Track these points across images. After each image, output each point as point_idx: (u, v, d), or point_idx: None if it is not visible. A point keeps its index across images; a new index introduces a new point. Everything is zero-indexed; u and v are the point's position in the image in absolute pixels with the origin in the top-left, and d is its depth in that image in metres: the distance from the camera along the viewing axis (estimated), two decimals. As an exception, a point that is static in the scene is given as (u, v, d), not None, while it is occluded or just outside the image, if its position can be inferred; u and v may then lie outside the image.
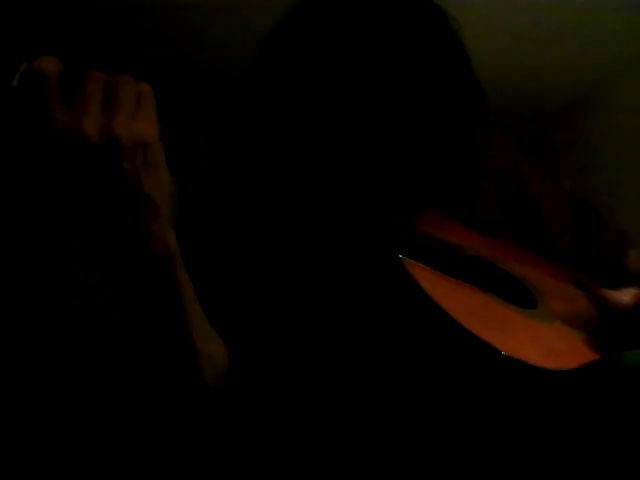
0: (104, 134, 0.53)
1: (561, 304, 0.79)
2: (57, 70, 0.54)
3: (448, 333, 0.64)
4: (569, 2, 2.02)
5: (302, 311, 0.75)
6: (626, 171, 2.34)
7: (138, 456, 1.86)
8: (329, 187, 0.77)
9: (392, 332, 0.71)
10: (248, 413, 0.73)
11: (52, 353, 2.11)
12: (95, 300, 1.99)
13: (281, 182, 0.68)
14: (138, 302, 0.63)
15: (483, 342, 0.62)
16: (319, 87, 0.80)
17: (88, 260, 1.73)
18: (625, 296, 0.72)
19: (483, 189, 0.87)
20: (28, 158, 0.53)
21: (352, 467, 0.67)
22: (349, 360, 0.72)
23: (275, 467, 0.71)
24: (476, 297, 0.72)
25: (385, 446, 0.67)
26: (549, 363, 0.63)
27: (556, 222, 0.90)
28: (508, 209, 0.88)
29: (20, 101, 0.53)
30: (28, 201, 2.01)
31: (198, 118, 2.12)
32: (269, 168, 0.67)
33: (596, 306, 0.74)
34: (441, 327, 0.64)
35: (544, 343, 0.70)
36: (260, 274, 0.79)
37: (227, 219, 0.83)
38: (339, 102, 0.79)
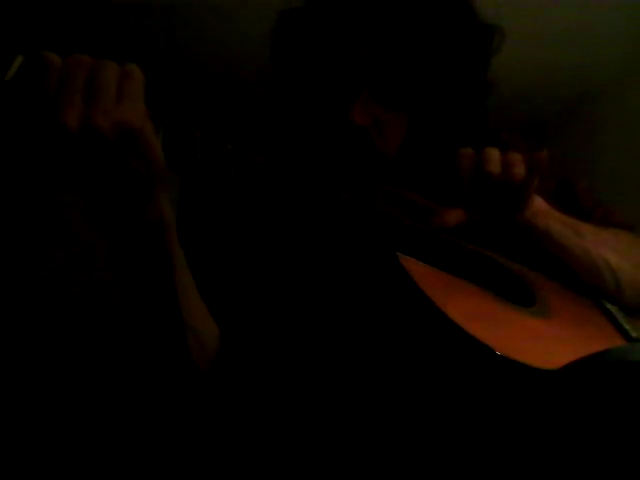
0: (84, 124, 0.52)
1: (559, 300, 0.80)
2: (59, 60, 0.53)
3: (443, 330, 0.64)
4: (572, 2, 2.02)
5: (299, 305, 0.75)
6: (628, 170, 2.35)
7: (124, 435, 1.88)
8: (328, 174, 0.77)
9: (388, 328, 0.71)
10: (237, 400, 0.72)
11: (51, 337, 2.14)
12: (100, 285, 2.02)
13: (278, 176, 0.67)
14: (131, 269, 0.63)
15: (479, 342, 0.63)
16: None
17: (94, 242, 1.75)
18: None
19: None
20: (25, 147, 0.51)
21: (342, 464, 0.68)
22: (344, 356, 0.72)
23: (261, 457, 0.72)
24: (473, 296, 0.72)
25: (379, 444, 0.67)
26: (544, 362, 0.63)
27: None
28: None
29: (16, 94, 0.52)
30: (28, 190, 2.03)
31: (194, 113, 2.11)
32: (266, 161, 0.66)
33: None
34: (434, 323, 0.64)
35: (540, 342, 0.70)
36: (258, 268, 0.79)
37: (225, 212, 0.83)
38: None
